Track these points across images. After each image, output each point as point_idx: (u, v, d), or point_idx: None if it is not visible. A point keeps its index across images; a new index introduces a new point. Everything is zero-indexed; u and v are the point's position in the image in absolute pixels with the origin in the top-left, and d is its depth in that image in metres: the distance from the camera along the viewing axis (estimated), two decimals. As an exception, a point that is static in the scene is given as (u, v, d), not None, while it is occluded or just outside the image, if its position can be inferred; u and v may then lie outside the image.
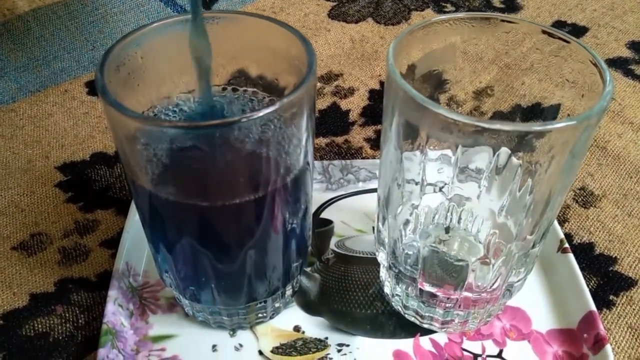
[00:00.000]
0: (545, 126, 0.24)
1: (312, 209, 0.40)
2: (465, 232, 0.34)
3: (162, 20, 0.29)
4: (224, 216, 0.28)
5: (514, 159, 0.35)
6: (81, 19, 0.55)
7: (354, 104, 0.49)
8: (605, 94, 0.25)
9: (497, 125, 0.24)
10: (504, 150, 0.32)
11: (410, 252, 0.31)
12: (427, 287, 0.31)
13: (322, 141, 0.46)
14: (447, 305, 0.32)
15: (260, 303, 0.32)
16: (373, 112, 0.48)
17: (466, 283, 0.30)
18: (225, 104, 0.31)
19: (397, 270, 0.32)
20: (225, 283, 0.30)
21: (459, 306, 0.31)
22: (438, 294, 0.31)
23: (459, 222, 0.34)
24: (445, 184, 0.33)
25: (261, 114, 0.24)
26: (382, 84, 0.51)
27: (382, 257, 0.33)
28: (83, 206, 0.40)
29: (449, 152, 0.37)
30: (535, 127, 0.24)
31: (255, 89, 0.31)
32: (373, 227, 0.39)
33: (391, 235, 0.31)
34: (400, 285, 0.33)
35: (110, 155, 0.44)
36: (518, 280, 0.31)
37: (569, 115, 0.31)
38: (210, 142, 0.25)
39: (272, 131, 0.25)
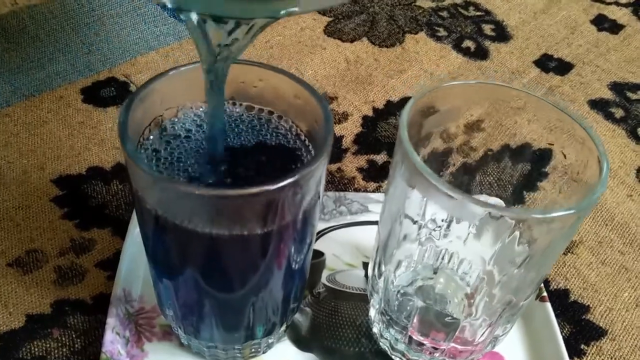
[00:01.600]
0: (545, 214, 0.26)
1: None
2: (452, 272, 0.36)
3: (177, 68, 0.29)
4: (230, 248, 0.28)
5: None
6: (77, 20, 0.55)
7: (348, 130, 0.50)
8: (601, 186, 0.27)
9: (497, 212, 0.26)
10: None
11: (405, 304, 0.33)
12: (417, 337, 0.33)
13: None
14: (435, 353, 0.33)
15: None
16: (366, 141, 0.50)
17: (455, 336, 0.32)
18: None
19: (388, 317, 0.34)
20: (226, 320, 0.31)
21: (445, 355, 0.33)
22: (426, 342, 0.33)
23: (448, 262, 0.36)
24: (439, 226, 0.35)
25: (281, 184, 0.25)
26: (374, 110, 0.53)
27: (374, 301, 0.35)
28: (79, 224, 0.41)
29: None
30: (535, 214, 0.26)
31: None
32: (363, 263, 0.41)
33: (386, 284, 0.33)
34: (389, 330, 0.34)
35: (107, 171, 0.44)
36: (503, 334, 0.33)
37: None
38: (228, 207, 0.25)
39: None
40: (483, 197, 0.38)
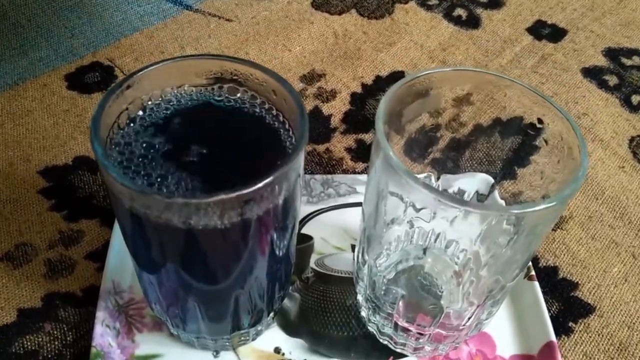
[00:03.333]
0: (524, 209, 0.26)
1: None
2: (440, 251, 0.36)
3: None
4: (209, 240, 0.28)
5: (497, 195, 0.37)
6: (59, 3, 0.54)
7: (336, 109, 0.50)
8: (579, 176, 0.27)
9: (477, 209, 0.26)
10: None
11: (390, 291, 0.33)
12: (402, 323, 0.33)
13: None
14: (421, 338, 0.34)
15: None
16: (354, 119, 0.49)
17: (440, 322, 0.32)
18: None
19: (373, 304, 0.34)
20: (211, 312, 0.32)
21: (432, 339, 0.34)
22: (411, 329, 0.33)
23: (435, 242, 0.37)
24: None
25: (254, 188, 0.24)
26: (363, 86, 0.52)
27: (360, 287, 0.35)
28: (67, 215, 0.41)
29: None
30: (515, 210, 0.26)
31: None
32: (352, 245, 0.41)
33: (370, 271, 0.33)
34: (375, 316, 0.35)
35: (93, 160, 0.44)
36: (488, 317, 0.34)
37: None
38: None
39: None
40: (470, 175, 0.38)
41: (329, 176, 0.44)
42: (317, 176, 0.44)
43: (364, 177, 0.44)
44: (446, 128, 0.40)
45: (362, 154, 0.47)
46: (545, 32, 0.59)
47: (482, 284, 0.32)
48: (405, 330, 0.33)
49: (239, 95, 0.31)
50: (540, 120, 0.31)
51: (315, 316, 0.37)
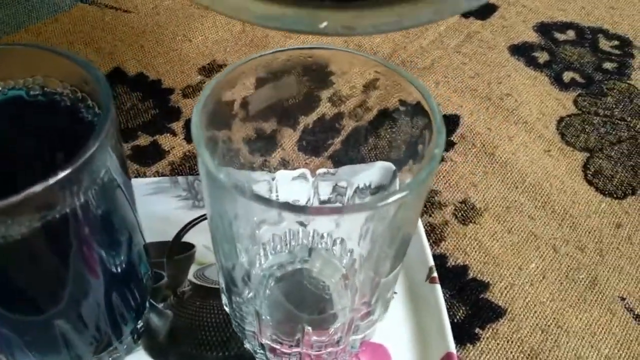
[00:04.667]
0: (360, 210, 0.21)
1: (173, 233, 0.37)
2: (328, 253, 0.32)
3: None
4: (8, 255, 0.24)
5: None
6: None
7: (237, 95, 0.45)
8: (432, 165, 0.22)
9: (308, 216, 0.21)
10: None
11: (247, 307, 0.29)
12: (267, 341, 0.29)
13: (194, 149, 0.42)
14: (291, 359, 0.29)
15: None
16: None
17: (303, 340, 0.28)
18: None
19: (236, 323, 0.30)
20: (34, 344, 0.27)
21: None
22: (276, 347, 0.29)
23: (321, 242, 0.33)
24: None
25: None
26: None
27: (228, 310, 0.31)
28: None
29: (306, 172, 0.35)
30: (346, 211, 0.22)
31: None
32: (237, 252, 0.36)
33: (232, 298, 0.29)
34: (245, 338, 0.30)
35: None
36: (364, 336, 0.29)
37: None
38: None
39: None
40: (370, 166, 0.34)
41: (216, 176, 0.39)
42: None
43: (258, 174, 0.40)
44: (349, 117, 0.36)
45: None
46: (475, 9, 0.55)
47: (363, 282, 0.28)
48: (273, 350, 0.29)
49: (55, 88, 0.27)
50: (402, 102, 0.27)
51: (188, 336, 0.33)
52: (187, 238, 0.37)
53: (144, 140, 0.42)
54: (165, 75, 0.47)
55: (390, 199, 0.21)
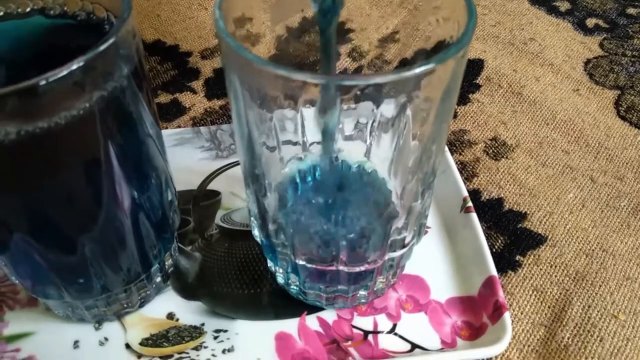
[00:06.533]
0: (387, 77, 0.20)
1: (198, 180, 0.36)
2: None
3: None
4: (43, 199, 0.23)
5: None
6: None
7: (260, 54, 0.45)
8: (465, 40, 0.21)
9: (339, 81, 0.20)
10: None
11: (279, 223, 0.28)
12: (302, 262, 0.28)
13: (216, 104, 0.42)
14: (327, 282, 0.28)
15: (120, 293, 0.29)
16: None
17: (340, 257, 0.27)
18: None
19: (269, 244, 0.29)
20: (66, 276, 0.26)
21: (339, 282, 0.28)
22: (310, 267, 0.28)
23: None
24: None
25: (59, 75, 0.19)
26: (287, 29, 0.47)
27: (256, 233, 0.30)
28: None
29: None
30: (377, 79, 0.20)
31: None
32: (264, 196, 0.36)
33: (261, 207, 0.28)
34: (277, 262, 0.29)
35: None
36: (402, 254, 0.28)
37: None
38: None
39: (81, 99, 0.21)
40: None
41: (238, 125, 0.39)
42: (225, 126, 0.39)
43: (288, 111, 0.39)
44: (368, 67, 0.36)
45: (280, 101, 0.42)
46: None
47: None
48: (308, 271, 0.28)
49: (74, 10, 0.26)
50: None
51: (217, 275, 0.32)
52: (212, 186, 0.36)
53: (164, 98, 0.42)
54: (182, 40, 0.46)
55: (421, 68, 0.20)
